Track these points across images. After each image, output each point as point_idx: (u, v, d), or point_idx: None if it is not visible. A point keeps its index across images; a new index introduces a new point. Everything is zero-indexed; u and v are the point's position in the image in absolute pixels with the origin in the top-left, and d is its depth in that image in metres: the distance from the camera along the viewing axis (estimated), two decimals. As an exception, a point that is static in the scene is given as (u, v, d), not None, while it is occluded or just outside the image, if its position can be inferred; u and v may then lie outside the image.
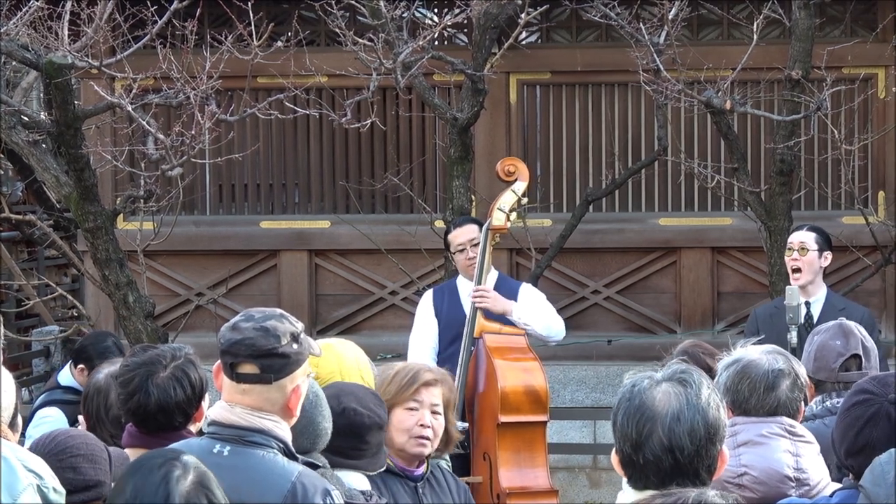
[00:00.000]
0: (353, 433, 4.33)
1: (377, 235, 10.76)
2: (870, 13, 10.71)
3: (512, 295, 7.58)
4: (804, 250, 7.34)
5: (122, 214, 9.26)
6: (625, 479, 3.14)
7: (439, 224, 9.73)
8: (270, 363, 3.69)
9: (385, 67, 8.41)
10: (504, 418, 7.20)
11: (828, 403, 4.99)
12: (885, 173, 10.77)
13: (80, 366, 6.98)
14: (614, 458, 3.13)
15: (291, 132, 11.20)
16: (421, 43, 8.52)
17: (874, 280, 10.41)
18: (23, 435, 4.45)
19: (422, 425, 4.77)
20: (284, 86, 8.62)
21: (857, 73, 10.08)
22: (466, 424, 7.08)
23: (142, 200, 8.59)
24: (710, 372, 4.50)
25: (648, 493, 3.07)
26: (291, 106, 8.76)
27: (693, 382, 3.11)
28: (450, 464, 5.32)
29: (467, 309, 7.59)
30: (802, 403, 4.40)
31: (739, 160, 9.42)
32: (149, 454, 3.29)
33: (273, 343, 3.69)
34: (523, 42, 10.67)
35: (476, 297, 7.44)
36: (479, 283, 7.47)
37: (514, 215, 7.82)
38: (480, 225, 7.76)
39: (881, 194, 10.77)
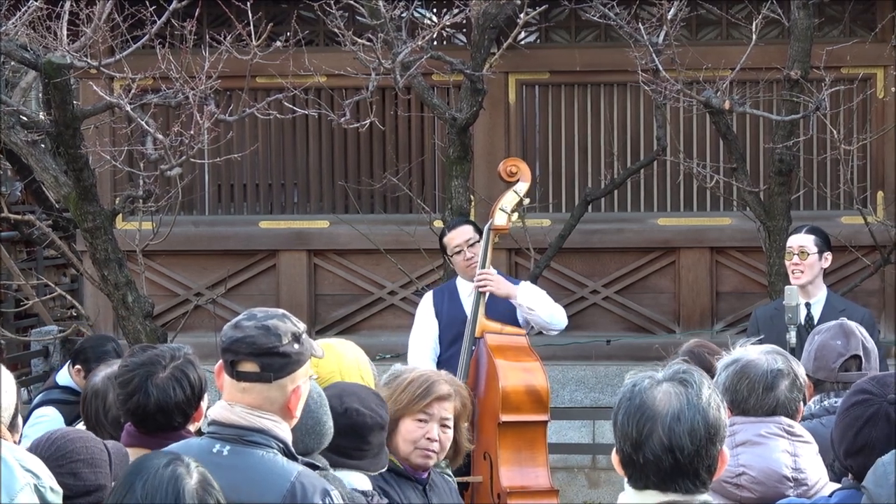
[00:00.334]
0: (355, 433, 4.32)
1: (376, 235, 10.76)
2: (868, 13, 10.72)
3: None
4: (804, 254, 7.33)
5: (121, 214, 9.26)
6: (625, 479, 3.14)
7: (438, 224, 9.73)
8: (271, 362, 3.69)
9: (384, 67, 8.41)
10: (505, 417, 7.20)
11: (826, 403, 4.99)
12: (883, 173, 10.77)
13: (77, 366, 6.98)
14: (615, 458, 3.13)
15: (290, 132, 11.20)
16: (420, 43, 8.52)
17: (873, 280, 10.41)
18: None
19: (429, 438, 4.74)
20: (283, 86, 8.62)
21: (856, 73, 10.08)
22: (466, 424, 7.08)
23: (141, 200, 8.59)
24: (712, 372, 4.50)
25: (649, 493, 3.07)
26: (290, 106, 8.76)
27: (694, 382, 3.11)
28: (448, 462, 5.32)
29: (467, 310, 7.60)
30: (801, 403, 4.40)
31: (738, 160, 9.42)
32: (151, 455, 3.31)
33: (274, 342, 3.69)
34: (522, 42, 10.67)
35: (480, 280, 7.45)
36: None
37: (515, 215, 7.85)
38: (475, 225, 7.77)
39: (880, 194, 10.78)
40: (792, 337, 6.86)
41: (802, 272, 7.32)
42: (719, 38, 10.85)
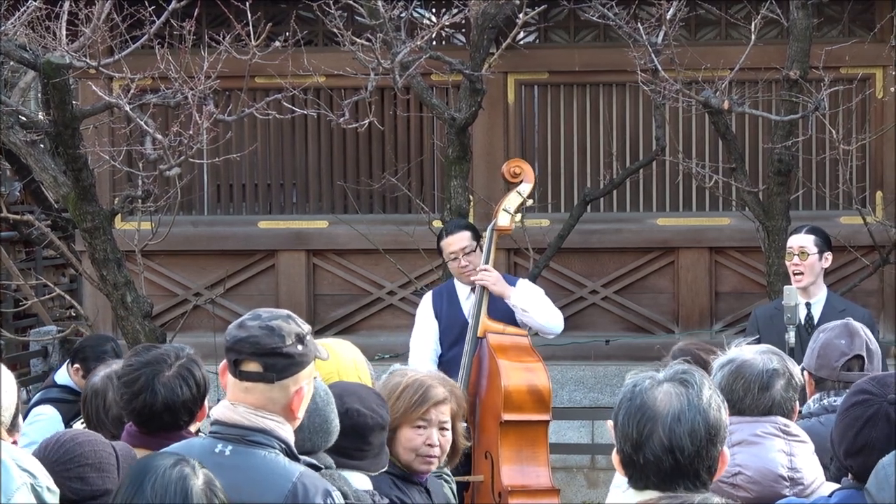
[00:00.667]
0: (356, 434, 4.32)
1: (375, 235, 10.76)
2: (867, 13, 10.72)
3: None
4: (804, 255, 7.33)
5: (119, 214, 9.25)
6: (625, 479, 3.14)
7: (437, 224, 9.73)
8: (273, 362, 3.69)
9: (383, 67, 8.41)
10: (507, 416, 7.21)
11: (825, 402, 4.99)
12: (882, 173, 10.77)
13: (76, 365, 6.98)
14: (615, 458, 3.13)
15: (289, 132, 11.20)
16: (419, 43, 8.52)
17: (872, 280, 10.42)
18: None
19: (429, 444, 4.73)
20: (282, 86, 8.62)
21: (855, 73, 10.08)
22: (465, 424, 7.08)
23: (140, 200, 8.58)
24: (707, 367, 4.49)
25: (649, 493, 3.07)
26: (289, 106, 8.76)
27: (694, 383, 3.11)
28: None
29: (466, 312, 7.62)
30: (797, 403, 4.40)
31: (737, 160, 9.42)
32: (156, 455, 3.33)
33: (277, 342, 3.69)
34: (521, 42, 10.67)
35: (480, 272, 7.48)
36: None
37: (518, 216, 7.87)
38: (473, 231, 7.76)
39: (879, 194, 10.78)
40: (791, 337, 6.86)
41: (803, 273, 7.32)
42: (718, 39, 10.85)
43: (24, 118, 8.38)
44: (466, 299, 7.69)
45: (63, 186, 8.20)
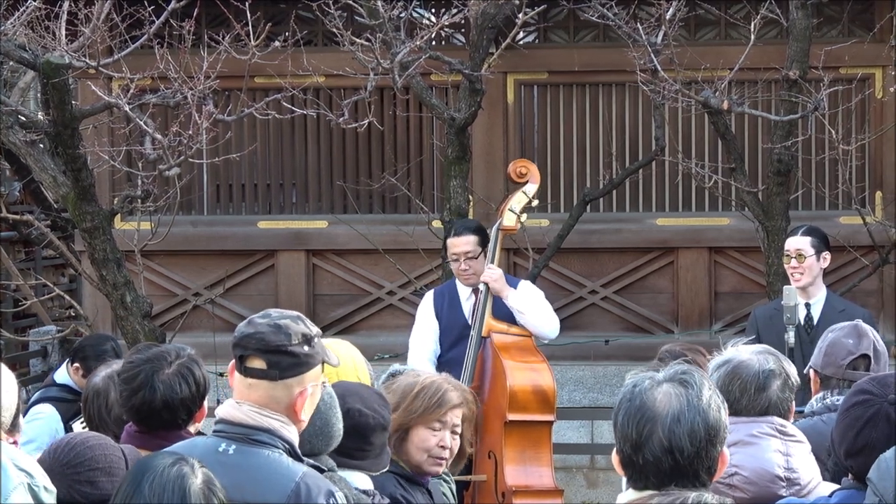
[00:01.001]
0: (357, 434, 4.32)
1: (375, 235, 10.76)
2: (867, 13, 10.72)
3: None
4: (801, 257, 7.33)
5: (119, 214, 9.25)
6: (625, 479, 3.14)
7: (437, 224, 9.74)
8: (278, 360, 3.69)
9: (382, 67, 8.41)
10: (512, 416, 7.22)
11: (828, 401, 4.99)
12: (882, 173, 10.77)
13: (76, 365, 6.99)
14: (615, 459, 3.13)
15: (289, 132, 11.20)
16: (418, 43, 8.52)
17: (871, 280, 10.42)
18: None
19: (441, 446, 4.76)
20: (282, 86, 8.62)
21: (855, 73, 10.08)
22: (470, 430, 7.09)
23: (139, 200, 8.58)
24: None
25: (648, 493, 3.07)
26: (289, 106, 8.76)
27: (694, 384, 3.11)
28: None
29: (467, 313, 7.63)
30: (793, 403, 4.40)
31: (737, 160, 9.42)
32: (155, 455, 3.33)
33: (283, 340, 3.69)
34: (520, 42, 10.67)
35: (487, 271, 7.49)
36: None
37: (524, 216, 7.89)
38: (481, 235, 7.75)
39: (878, 194, 10.78)
40: (791, 337, 6.86)
41: (802, 275, 7.32)
42: (718, 39, 10.85)
43: (23, 118, 8.38)
44: (467, 300, 7.70)
45: (62, 186, 8.20)
